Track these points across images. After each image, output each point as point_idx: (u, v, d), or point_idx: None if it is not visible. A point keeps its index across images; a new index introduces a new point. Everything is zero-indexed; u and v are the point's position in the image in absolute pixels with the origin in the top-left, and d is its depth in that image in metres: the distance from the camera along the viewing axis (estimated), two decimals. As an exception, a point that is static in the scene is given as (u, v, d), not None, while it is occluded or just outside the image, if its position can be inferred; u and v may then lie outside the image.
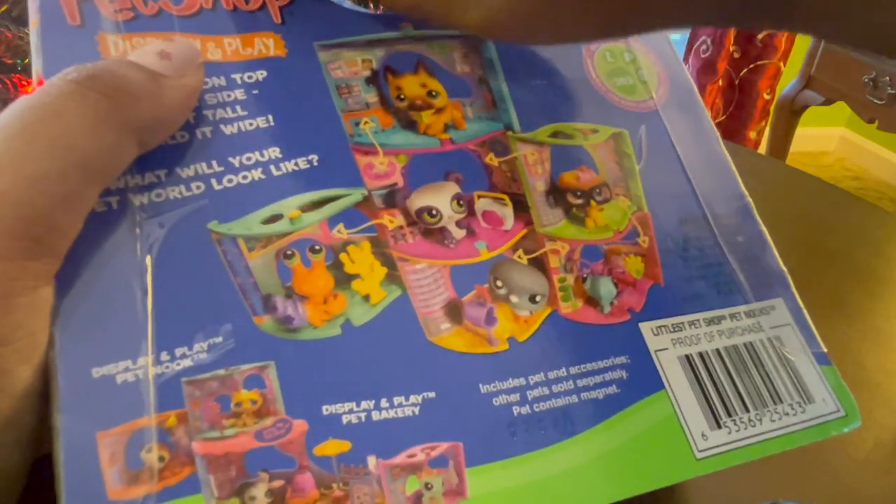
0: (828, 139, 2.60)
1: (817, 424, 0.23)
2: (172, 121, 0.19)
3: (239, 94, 0.21)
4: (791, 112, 1.81)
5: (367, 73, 0.22)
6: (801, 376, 0.23)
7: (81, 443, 0.16)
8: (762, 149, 2.01)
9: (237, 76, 0.21)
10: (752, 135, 1.93)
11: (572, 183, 0.24)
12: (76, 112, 0.16)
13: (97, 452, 0.16)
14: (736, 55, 1.89)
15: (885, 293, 0.41)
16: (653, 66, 0.27)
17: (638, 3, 0.18)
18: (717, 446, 0.21)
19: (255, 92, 0.21)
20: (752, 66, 1.88)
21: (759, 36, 1.83)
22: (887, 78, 1.57)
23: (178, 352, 0.17)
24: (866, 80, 1.61)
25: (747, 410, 0.22)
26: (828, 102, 1.76)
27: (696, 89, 0.27)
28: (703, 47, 1.79)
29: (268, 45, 0.21)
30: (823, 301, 0.38)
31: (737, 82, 1.91)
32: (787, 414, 0.23)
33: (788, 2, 0.17)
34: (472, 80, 0.24)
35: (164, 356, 0.17)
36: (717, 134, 0.27)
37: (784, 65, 1.87)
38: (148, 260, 0.18)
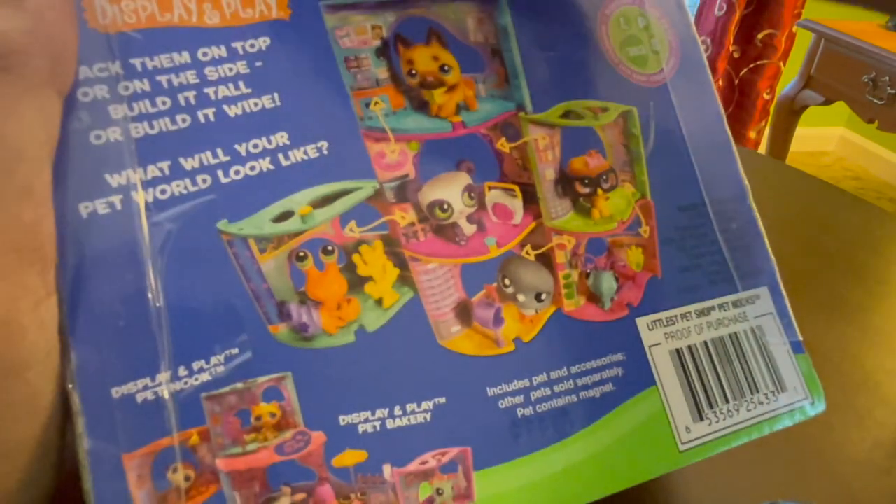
0: (827, 139, 2.59)
1: (788, 412, 0.24)
2: (62, 43, 0.16)
3: (241, 66, 0.19)
4: (791, 112, 1.81)
5: (377, 42, 0.21)
6: (777, 365, 0.25)
7: (109, 467, 0.16)
8: (762, 149, 2.01)
9: (238, 45, 0.19)
10: (752, 135, 1.93)
11: (581, 169, 0.23)
12: None
13: (125, 475, 0.16)
14: (735, 55, 1.88)
15: (884, 293, 0.41)
16: (665, 35, 0.26)
17: None
18: (699, 438, 0.22)
19: (259, 64, 0.19)
20: (751, 66, 1.87)
21: (759, 36, 1.83)
22: (887, 78, 1.56)
23: (196, 366, 0.17)
24: (866, 80, 1.61)
25: (727, 402, 0.23)
26: (827, 102, 1.75)
27: (705, 58, 0.27)
28: (703, 47, 1.79)
29: (269, 4, 0.20)
30: (823, 301, 0.39)
31: (736, 82, 1.90)
32: (761, 403, 0.24)
33: None
34: (486, 51, 0.23)
35: (182, 371, 0.17)
36: (722, 109, 0.26)
37: (784, 65, 1.87)
38: (158, 266, 0.17)
